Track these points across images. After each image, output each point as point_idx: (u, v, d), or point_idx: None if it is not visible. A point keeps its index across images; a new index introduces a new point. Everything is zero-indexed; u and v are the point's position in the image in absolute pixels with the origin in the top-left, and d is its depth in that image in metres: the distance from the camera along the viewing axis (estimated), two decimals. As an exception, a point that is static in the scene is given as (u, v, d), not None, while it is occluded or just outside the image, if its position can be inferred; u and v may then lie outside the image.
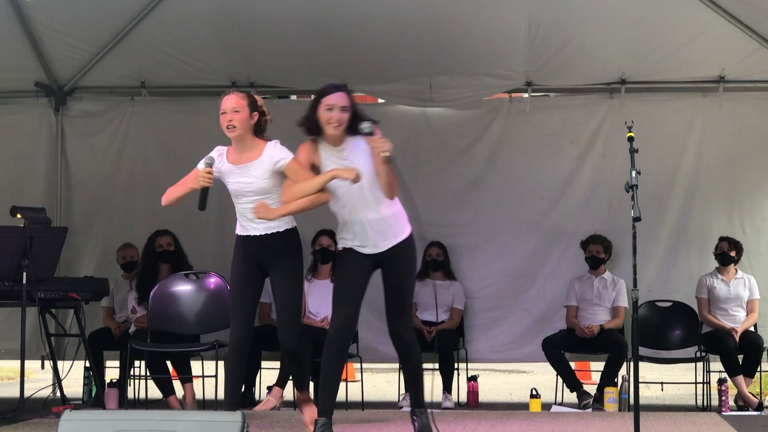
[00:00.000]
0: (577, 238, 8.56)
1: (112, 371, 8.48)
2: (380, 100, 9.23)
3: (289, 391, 7.73)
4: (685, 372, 8.64)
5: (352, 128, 5.47)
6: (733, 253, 8.24)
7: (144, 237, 8.35)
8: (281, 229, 5.60)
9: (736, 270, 8.32)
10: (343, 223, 5.57)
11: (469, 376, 8.43)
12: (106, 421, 4.04)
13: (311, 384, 7.27)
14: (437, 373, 8.37)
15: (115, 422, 4.02)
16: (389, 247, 5.54)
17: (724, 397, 7.83)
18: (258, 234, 5.61)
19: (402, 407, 7.90)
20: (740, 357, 8.03)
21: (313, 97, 5.56)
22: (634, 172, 5.28)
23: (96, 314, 8.43)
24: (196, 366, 7.90)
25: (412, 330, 5.74)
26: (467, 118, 8.97)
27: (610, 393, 7.73)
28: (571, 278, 8.50)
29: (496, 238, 8.88)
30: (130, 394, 7.95)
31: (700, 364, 8.07)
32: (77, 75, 9.03)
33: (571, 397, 8.05)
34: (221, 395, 5.77)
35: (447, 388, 8.23)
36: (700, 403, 8.15)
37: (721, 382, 7.91)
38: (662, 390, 8.84)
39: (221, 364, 5.82)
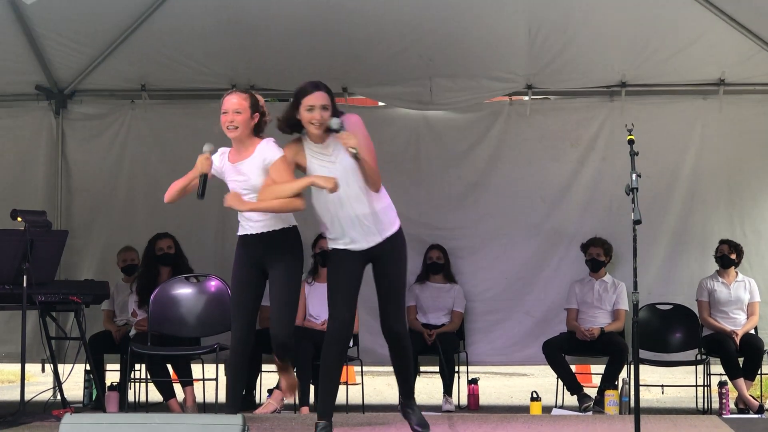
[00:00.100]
0: (577, 240, 8.57)
1: (112, 374, 8.48)
2: (381, 103, 9.23)
3: (297, 381, 7.74)
4: (686, 375, 8.64)
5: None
6: (733, 256, 8.24)
7: (144, 240, 8.35)
8: (277, 228, 5.58)
9: (737, 273, 8.32)
10: (331, 221, 5.53)
11: (469, 379, 8.42)
12: (106, 424, 4.04)
13: (311, 386, 7.28)
14: (438, 376, 8.39)
15: (115, 425, 4.02)
16: (379, 242, 5.52)
17: (724, 400, 7.84)
18: (255, 232, 5.61)
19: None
20: (741, 360, 8.03)
21: (291, 99, 5.54)
22: (634, 175, 5.28)
23: (96, 317, 8.43)
24: (196, 369, 7.90)
25: (405, 324, 5.70)
26: (467, 121, 8.98)
27: (611, 396, 7.72)
28: (572, 281, 8.51)
29: (497, 240, 8.88)
30: (131, 398, 7.95)
31: (700, 367, 8.07)
32: (78, 78, 9.03)
33: (572, 400, 8.05)
34: (222, 398, 5.77)
35: (447, 390, 8.23)
36: (700, 406, 8.14)
37: (721, 385, 7.91)
38: (663, 393, 8.83)
39: (221, 367, 5.82)
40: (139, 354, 7.48)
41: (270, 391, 7.85)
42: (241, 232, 5.68)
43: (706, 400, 8.07)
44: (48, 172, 9.17)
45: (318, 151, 5.49)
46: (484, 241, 8.89)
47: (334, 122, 5.38)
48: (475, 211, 8.90)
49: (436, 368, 8.37)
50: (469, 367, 8.57)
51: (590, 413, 7.72)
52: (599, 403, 7.85)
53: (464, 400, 8.40)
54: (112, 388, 7.91)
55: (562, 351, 8.13)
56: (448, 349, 8.24)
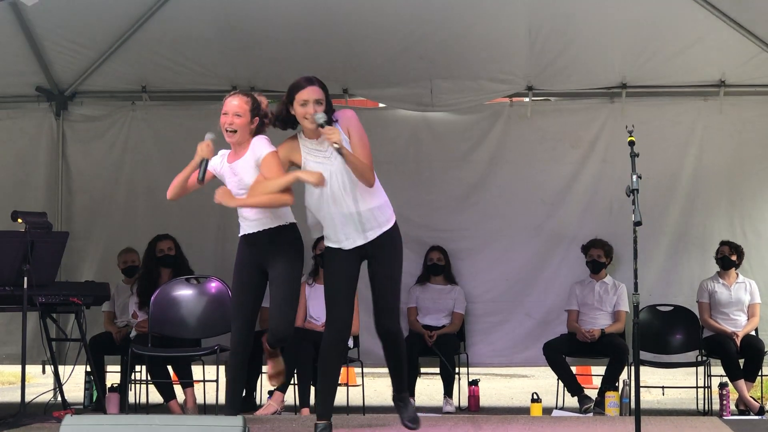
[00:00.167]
0: (578, 242, 8.56)
1: (113, 376, 8.48)
2: (381, 105, 9.23)
3: (290, 396, 7.75)
4: (686, 376, 8.64)
5: (329, 123, 5.39)
6: (734, 257, 8.24)
7: (145, 241, 8.35)
8: (273, 226, 5.57)
9: (737, 274, 8.32)
10: (324, 219, 5.51)
11: (470, 380, 8.42)
12: (107, 425, 4.04)
13: (311, 388, 7.28)
14: (438, 377, 8.39)
15: (116, 427, 4.02)
16: (373, 239, 5.49)
17: (725, 402, 7.84)
18: (253, 231, 5.61)
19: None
20: (741, 361, 8.02)
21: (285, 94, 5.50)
22: (634, 177, 5.28)
23: (97, 319, 8.44)
24: (197, 370, 7.91)
25: (398, 323, 5.63)
26: (468, 123, 8.98)
27: (611, 397, 7.72)
28: (572, 282, 8.50)
29: (497, 242, 8.88)
30: (131, 399, 7.96)
31: (701, 369, 8.07)
32: (78, 79, 9.03)
33: (572, 401, 8.05)
34: (222, 400, 5.77)
35: (448, 392, 8.23)
36: (701, 407, 8.14)
37: (722, 386, 7.91)
38: (663, 394, 8.83)
39: (222, 368, 5.82)
40: (139, 355, 7.49)
41: (270, 393, 7.85)
42: (240, 233, 5.69)
43: (706, 401, 8.07)
44: (48, 174, 9.18)
45: (313, 148, 5.46)
46: (485, 243, 8.89)
47: (319, 116, 5.35)
48: (476, 213, 8.90)
49: (437, 370, 8.36)
50: (469, 368, 8.57)
51: (591, 415, 7.72)
52: (600, 405, 7.85)
53: (465, 402, 8.40)
54: (112, 389, 7.91)
55: (562, 352, 8.13)
56: (448, 350, 8.24)
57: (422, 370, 8.58)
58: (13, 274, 6.74)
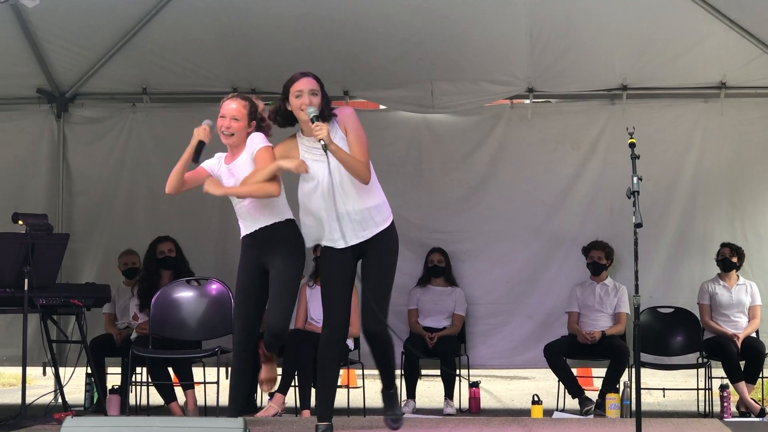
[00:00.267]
0: (578, 244, 8.56)
1: (113, 378, 8.47)
2: (382, 107, 9.23)
3: (291, 398, 7.74)
4: (687, 378, 8.64)
5: (326, 116, 5.40)
6: (734, 259, 8.24)
7: (145, 243, 8.36)
8: (269, 223, 5.58)
9: (738, 276, 8.32)
10: (318, 217, 5.49)
11: (470, 382, 8.42)
12: (107, 427, 4.05)
13: (312, 390, 7.27)
14: (439, 379, 8.38)
15: (116, 429, 4.02)
16: (368, 239, 5.47)
17: (726, 404, 7.83)
18: (249, 232, 5.63)
19: (404, 413, 7.89)
20: (742, 363, 8.02)
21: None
22: (635, 178, 5.29)
23: (97, 321, 8.44)
24: (197, 372, 7.90)
25: (385, 324, 5.54)
26: (469, 125, 8.98)
27: (612, 399, 7.72)
28: (573, 284, 8.50)
29: (498, 244, 8.88)
30: (132, 401, 7.95)
31: (702, 371, 8.06)
32: (79, 81, 9.04)
33: (573, 403, 8.05)
34: (223, 401, 5.77)
35: (449, 394, 8.23)
36: (701, 409, 8.13)
37: (723, 388, 7.90)
38: (664, 396, 8.83)
39: (222, 370, 5.82)
40: (140, 357, 7.49)
41: (271, 395, 7.85)
42: (240, 234, 5.70)
43: (707, 403, 8.07)
44: (49, 176, 9.18)
45: (310, 146, 5.44)
46: (486, 245, 8.89)
47: (311, 110, 5.35)
48: (477, 215, 8.90)
49: (438, 371, 8.36)
50: (470, 370, 8.57)
51: (591, 416, 7.72)
52: (600, 407, 7.85)
53: (465, 404, 8.40)
54: (113, 391, 7.91)
55: (563, 354, 8.13)
56: (449, 352, 8.24)
57: (423, 371, 8.57)
58: (14, 275, 6.75)
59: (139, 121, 9.15)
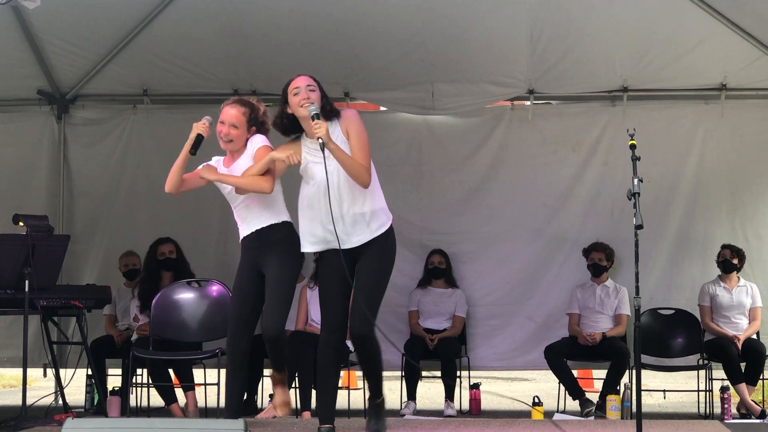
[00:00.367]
0: (579, 245, 8.56)
1: (114, 379, 8.47)
2: (382, 108, 9.23)
3: (291, 399, 7.73)
4: (688, 380, 8.64)
5: (327, 114, 5.40)
6: (735, 261, 8.23)
7: (146, 245, 8.36)
8: (265, 225, 5.60)
9: (739, 278, 8.32)
10: (316, 218, 5.47)
11: (471, 383, 8.42)
12: (108, 429, 4.04)
13: (313, 392, 7.26)
14: (439, 380, 8.38)
15: (117, 430, 4.02)
16: (364, 242, 5.45)
17: (726, 405, 7.83)
18: (247, 233, 5.65)
19: (404, 415, 7.90)
20: (743, 365, 8.02)
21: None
22: (636, 180, 5.29)
23: (98, 322, 8.44)
24: (198, 374, 7.90)
25: (371, 328, 5.44)
26: (469, 126, 8.98)
27: (613, 401, 7.72)
28: (574, 286, 8.50)
29: (499, 245, 8.88)
30: (132, 402, 7.94)
31: (702, 372, 8.06)
32: (79, 83, 9.04)
33: (574, 404, 8.05)
34: (223, 403, 5.77)
35: (449, 395, 8.23)
36: (702, 411, 8.13)
37: (723, 390, 7.90)
38: (665, 398, 8.82)
39: (223, 371, 5.82)
40: (140, 359, 7.48)
41: (272, 396, 7.84)
42: (240, 237, 5.70)
43: (708, 405, 8.06)
44: (50, 177, 9.18)
45: (313, 147, 5.43)
46: (486, 246, 8.89)
47: (312, 108, 5.36)
48: (477, 216, 8.90)
49: (438, 373, 8.36)
50: (470, 371, 8.56)
51: (592, 418, 7.72)
52: (601, 408, 7.85)
53: (466, 405, 8.40)
54: (113, 392, 7.91)
55: (563, 356, 8.13)
56: (449, 353, 8.24)
57: (423, 373, 8.58)
58: (15, 277, 6.75)
59: (139, 123, 9.16)
